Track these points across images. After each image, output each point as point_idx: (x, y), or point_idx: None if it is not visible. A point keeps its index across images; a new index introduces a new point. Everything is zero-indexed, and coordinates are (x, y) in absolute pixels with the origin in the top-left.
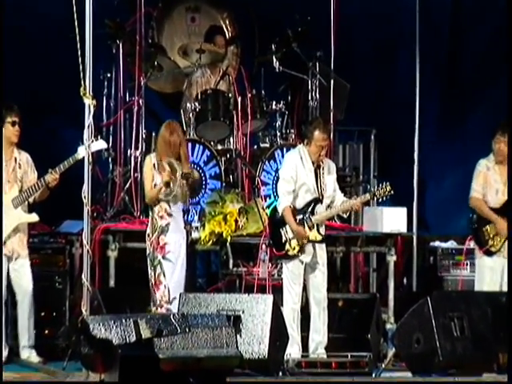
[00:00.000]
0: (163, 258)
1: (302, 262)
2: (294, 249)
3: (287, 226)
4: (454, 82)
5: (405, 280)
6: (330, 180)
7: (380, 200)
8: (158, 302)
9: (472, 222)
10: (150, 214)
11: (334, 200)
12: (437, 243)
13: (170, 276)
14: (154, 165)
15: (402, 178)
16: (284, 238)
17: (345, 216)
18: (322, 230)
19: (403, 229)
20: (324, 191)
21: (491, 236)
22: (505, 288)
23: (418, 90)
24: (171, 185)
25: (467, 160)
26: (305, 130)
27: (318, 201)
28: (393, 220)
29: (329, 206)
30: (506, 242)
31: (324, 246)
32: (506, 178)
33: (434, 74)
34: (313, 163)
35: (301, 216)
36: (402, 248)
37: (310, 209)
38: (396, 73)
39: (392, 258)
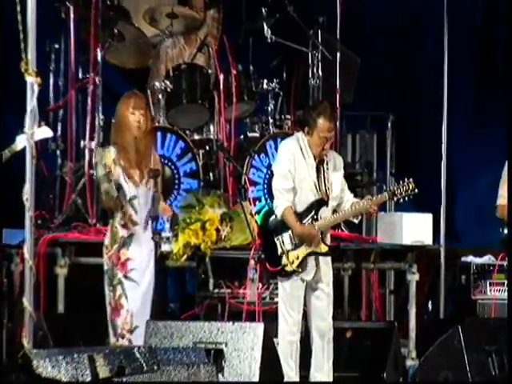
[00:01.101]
0: (125, 276)
1: (303, 281)
2: (293, 263)
3: (284, 235)
4: (491, 67)
5: (430, 304)
6: (337, 178)
7: (401, 201)
8: (119, 332)
9: (503, 234)
10: (110, 221)
11: (342, 202)
12: (470, 258)
13: (134, 299)
14: (114, 160)
15: (426, 176)
16: (280, 250)
17: (355, 221)
18: (328, 239)
19: (428, 240)
20: (329, 191)
21: None
22: None
23: (446, 69)
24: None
25: (505, 155)
26: (306, 115)
27: (322, 203)
28: (415, 229)
29: (335, 210)
30: None
31: (330, 260)
32: None
33: (466, 54)
34: (314, 157)
35: (302, 222)
36: (426, 264)
37: (312, 213)
38: (421, 47)
39: (414, 277)
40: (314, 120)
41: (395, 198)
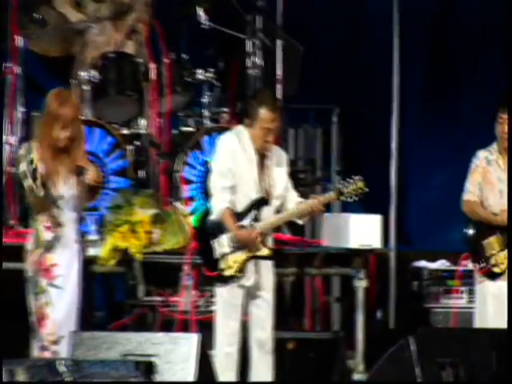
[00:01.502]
0: (50, 284)
1: (242, 288)
2: (232, 268)
3: (221, 238)
4: (444, 54)
5: (379, 313)
6: (280, 175)
7: (349, 200)
8: (43, 344)
9: (468, 233)
10: (33, 223)
11: (286, 201)
12: (422, 263)
13: (60, 308)
14: (39, 156)
15: (375, 175)
16: (217, 254)
17: (300, 223)
18: (270, 241)
19: (377, 243)
20: (272, 189)
21: (495, 252)
22: None
23: (395, 58)
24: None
25: (463, 152)
26: (246, 106)
27: (263, 202)
28: (363, 231)
29: (278, 210)
30: None
31: (271, 264)
32: None
33: (418, 43)
34: (256, 152)
35: (241, 223)
36: (375, 270)
37: (253, 213)
38: (369, 35)
39: (361, 284)
40: (256, 110)
41: (343, 198)
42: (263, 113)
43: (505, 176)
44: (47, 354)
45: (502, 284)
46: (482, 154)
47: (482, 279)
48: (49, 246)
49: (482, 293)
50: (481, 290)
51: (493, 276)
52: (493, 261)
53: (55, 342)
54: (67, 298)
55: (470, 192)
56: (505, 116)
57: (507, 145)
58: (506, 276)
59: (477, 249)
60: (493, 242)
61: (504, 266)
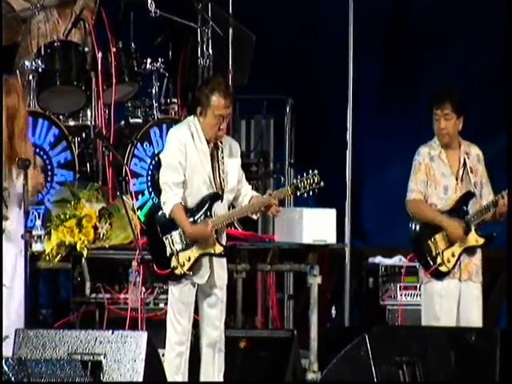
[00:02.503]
0: None
1: (194, 285)
2: (184, 265)
3: (173, 234)
4: (400, 44)
5: (333, 311)
6: (233, 167)
7: (305, 195)
8: None
9: (413, 233)
10: None
11: (240, 195)
12: (378, 259)
13: (4, 305)
14: None
15: (329, 167)
16: (169, 251)
17: (254, 218)
18: (223, 238)
19: (331, 239)
20: (224, 183)
21: (440, 251)
22: (463, 324)
23: (351, 47)
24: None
25: (420, 144)
26: (198, 93)
27: (216, 197)
28: (317, 226)
29: (232, 205)
30: (464, 258)
31: (225, 262)
32: (459, 166)
33: (374, 28)
34: (208, 143)
35: (193, 218)
36: (329, 266)
37: (204, 208)
38: (324, 23)
39: (315, 280)
40: (207, 97)
41: (298, 193)
42: (215, 100)
43: (449, 170)
44: None
45: (449, 282)
46: (423, 150)
47: (429, 279)
48: None
49: (429, 293)
50: (427, 290)
51: (440, 276)
52: (439, 260)
53: None
54: (12, 296)
55: (415, 191)
56: (439, 112)
57: (443, 139)
58: (453, 274)
59: (422, 248)
60: (438, 240)
61: (450, 264)
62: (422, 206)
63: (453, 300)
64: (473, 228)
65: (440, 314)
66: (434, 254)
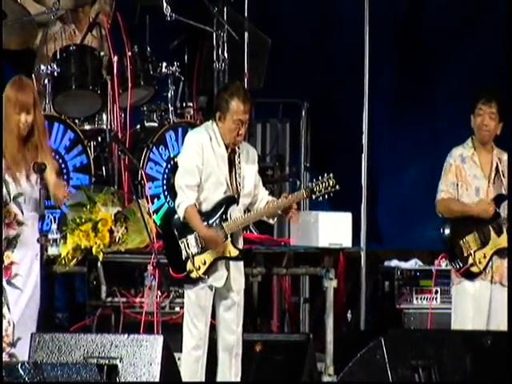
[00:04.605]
0: (8, 282)
1: (212, 289)
2: (199, 269)
3: (189, 237)
4: (417, 42)
5: (349, 314)
6: (250, 172)
7: (320, 199)
8: None
9: (444, 233)
10: None
11: (256, 200)
12: (394, 262)
13: (18, 308)
14: None
15: (345, 171)
16: (184, 254)
17: (271, 222)
18: (239, 242)
19: (347, 242)
20: (241, 187)
21: (472, 251)
22: (493, 326)
23: (367, 51)
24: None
25: (437, 146)
26: (217, 99)
27: (231, 201)
28: (332, 230)
29: (248, 209)
30: (495, 260)
31: (242, 265)
32: (491, 168)
33: (389, 32)
34: (226, 148)
35: (208, 222)
36: (345, 269)
37: (220, 212)
38: (339, 27)
39: (331, 284)
40: (227, 102)
41: (314, 196)
42: (234, 104)
43: (481, 173)
44: (3, 357)
45: (480, 284)
46: (456, 152)
47: (460, 280)
48: (9, 245)
49: (460, 294)
50: (458, 291)
51: (471, 276)
52: (470, 260)
53: (12, 344)
54: (25, 299)
55: (444, 191)
56: (485, 108)
57: (483, 136)
58: (484, 275)
59: (453, 249)
60: (469, 241)
61: (482, 265)
62: (449, 202)
63: (484, 302)
64: (504, 230)
65: (471, 315)
66: (465, 254)
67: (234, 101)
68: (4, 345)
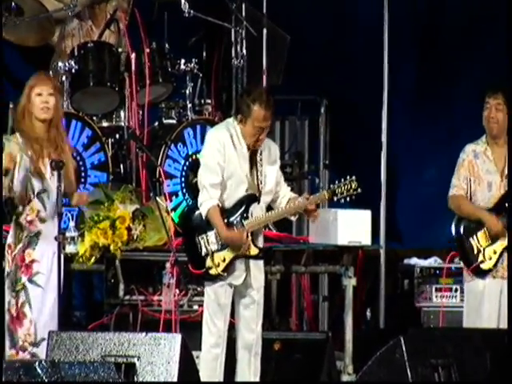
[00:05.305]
0: (29, 280)
1: (231, 287)
2: (218, 266)
3: (209, 234)
4: (436, 40)
5: (368, 312)
6: (272, 170)
7: (342, 200)
8: (21, 344)
9: (455, 231)
10: (14, 217)
11: (278, 197)
12: (413, 260)
13: (39, 307)
14: (21, 149)
15: (364, 168)
16: (204, 251)
17: (293, 219)
18: (260, 240)
19: (366, 240)
20: (262, 185)
21: (482, 248)
22: (503, 323)
23: (386, 47)
24: (43, 169)
25: (456, 144)
26: (239, 102)
27: (253, 199)
28: (352, 227)
29: (270, 207)
30: (506, 256)
31: (262, 264)
32: (504, 163)
33: (408, 28)
34: (247, 147)
35: (229, 219)
36: (364, 267)
37: (241, 210)
38: (358, 23)
39: (350, 282)
40: (249, 107)
41: (335, 198)
42: (256, 110)
43: (494, 167)
44: (24, 356)
45: (491, 281)
46: (469, 148)
47: (472, 278)
48: (30, 242)
49: (473, 292)
50: (470, 289)
51: (482, 273)
52: (481, 257)
53: (35, 344)
54: (48, 298)
55: (457, 186)
56: (491, 101)
57: (507, 131)
58: (494, 273)
59: (464, 246)
60: (480, 238)
61: (492, 262)
62: (461, 201)
63: (495, 299)
64: None
65: (482, 313)
66: (475, 251)
67: (256, 107)
68: (26, 344)
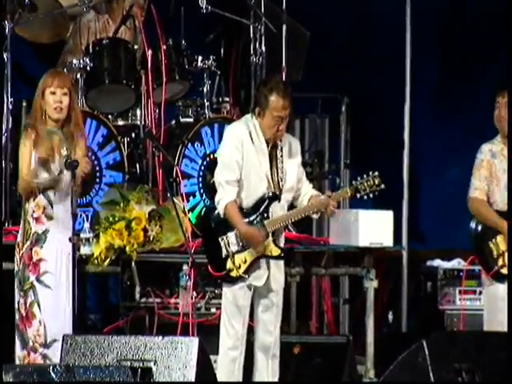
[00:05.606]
0: (37, 280)
1: (251, 289)
2: (240, 268)
3: (229, 235)
4: (459, 37)
5: (390, 316)
6: (293, 166)
7: (365, 198)
8: (31, 345)
9: (474, 234)
10: (22, 214)
11: (300, 194)
12: (437, 262)
13: (49, 307)
14: (34, 141)
15: (386, 168)
16: (224, 252)
17: (315, 217)
18: (281, 240)
19: (388, 241)
20: (283, 182)
21: (502, 252)
22: None
23: (408, 44)
24: (52, 166)
25: (481, 143)
26: (256, 94)
27: (273, 197)
28: (373, 228)
29: (292, 205)
30: None
31: (282, 264)
32: None
33: (431, 25)
34: (267, 143)
35: (249, 219)
36: (386, 269)
37: (262, 209)
38: (380, 19)
39: (372, 284)
40: (266, 97)
41: (358, 195)
42: (274, 100)
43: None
44: (35, 357)
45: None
46: (486, 148)
47: (491, 282)
48: (37, 239)
49: (492, 297)
50: (489, 293)
51: (502, 278)
52: (501, 261)
53: (45, 345)
54: (58, 299)
55: (478, 189)
56: (500, 99)
57: (507, 130)
58: None
59: (483, 250)
60: (499, 242)
61: None
62: (480, 205)
63: None
64: None
65: (503, 318)
66: (495, 255)
67: (274, 96)
68: (36, 345)
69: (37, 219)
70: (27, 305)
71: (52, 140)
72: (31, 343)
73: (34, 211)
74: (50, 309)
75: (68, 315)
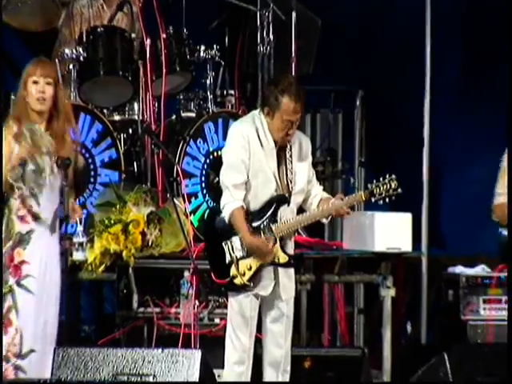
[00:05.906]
0: (18, 283)
1: (257, 297)
2: (244, 275)
3: (233, 239)
4: (482, 27)
5: (409, 326)
6: (303, 167)
7: (380, 202)
8: (4, 353)
9: (502, 240)
10: (6, 211)
11: (310, 196)
12: (459, 269)
13: (28, 314)
14: (15, 135)
15: (403, 167)
16: (228, 258)
17: (325, 221)
18: (290, 246)
19: (406, 246)
20: (292, 184)
21: None
22: None
23: (428, 34)
24: (30, 166)
25: (503, 141)
26: (266, 93)
27: (282, 200)
28: (390, 232)
29: (300, 207)
30: None
31: (292, 272)
32: None
33: (452, 17)
34: (275, 143)
35: (256, 223)
36: (404, 276)
37: (269, 212)
38: (397, 7)
39: (389, 293)
40: (277, 99)
41: (373, 199)
42: (285, 103)
43: None
44: (8, 367)
45: None
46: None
47: None
48: (21, 240)
49: None
50: None
51: None
52: None
53: (19, 355)
54: (40, 306)
55: (501, 195)
56: None
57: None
58: None
59: None
60: None
61: None
62: (504, 211)
63: None
64: None
65: None
66: None
67: (285, 99)
68: (9, 354)
69: (21, 218)
70: (5, 310)
71: (32, 138)
72: (4, 352)
73: (18, 209)
74: (30, 316)
75: (51, 325)
